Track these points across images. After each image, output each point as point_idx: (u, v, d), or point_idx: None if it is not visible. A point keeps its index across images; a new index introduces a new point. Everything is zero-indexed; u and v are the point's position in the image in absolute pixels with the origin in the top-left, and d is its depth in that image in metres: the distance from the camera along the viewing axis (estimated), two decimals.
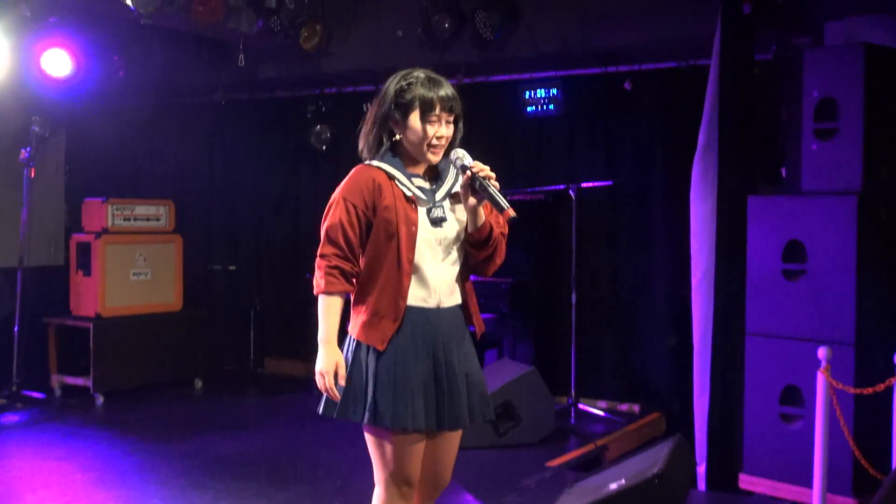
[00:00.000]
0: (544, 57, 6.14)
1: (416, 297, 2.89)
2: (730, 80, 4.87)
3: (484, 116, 6.85)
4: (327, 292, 2.89)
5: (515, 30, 6.06)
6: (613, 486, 3.76)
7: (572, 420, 6.19)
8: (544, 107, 6.56)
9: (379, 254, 2.88)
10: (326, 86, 7.44)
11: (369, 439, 2.93)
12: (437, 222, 2.91)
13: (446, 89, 2.92)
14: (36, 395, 6.77)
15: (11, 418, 6.33)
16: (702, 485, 4.88)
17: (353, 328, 2.94)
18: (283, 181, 7.99)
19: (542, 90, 6.57)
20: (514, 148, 7.01)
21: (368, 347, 2.88)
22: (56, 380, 7.11)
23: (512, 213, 2.83)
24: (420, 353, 2.88)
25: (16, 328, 6.73)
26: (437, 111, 2.89)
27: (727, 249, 4.85)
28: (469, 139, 7.62)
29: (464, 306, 3.01)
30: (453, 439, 3.02)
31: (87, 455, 5.50)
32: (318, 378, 2.89)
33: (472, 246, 2.95)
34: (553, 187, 6.43)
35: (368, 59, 6.58)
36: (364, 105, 6.87)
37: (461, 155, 2.93)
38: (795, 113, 4.67)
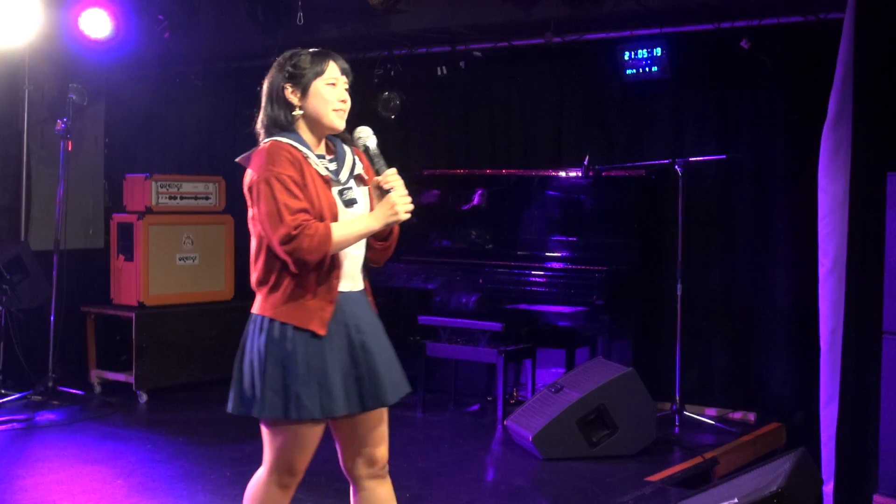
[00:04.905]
0: (647, 11, 6.00)
1: None
2: (867, 36, 4.75)
3: (576, 81, 6.88)
4: (329, 237, 3.00)
5: None
6: None
7: (676, 429, 6.17)
8: (647, 69, 6.48)
9: None
10: (396, 47, 7.43)
11: (269, 430, 3.20)
12: (349, 203, 3.16)
13: (338, 56, 3.23)
14: (74, 391, 6.93)
15: (47, 416, 6.51)
16: None
17: (270, 308, 3.09)
18: None
19: (645, 50, 6.48)
20: (610, 117, 6.98)
21: (291, 332, 3.05)
22: (95, 375, 7.32)
23: (405, 216, 3.07)
24: (337, 338, 3.11)
25: (51, 318, 6.86)
26: (337, 73, 3.18)
27: (862, 235, 4.79)
28: (561, 106, 7.38)
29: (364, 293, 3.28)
30: (377, 417, 3.26)
31: (130, 458, 5.62)
32: (395, 209, 3.08)
33: (376, 238, 3.20)
34: (656, 162, 6.43)
35: (444, 17, 6.53)
36: (438, 69, 7.06)
37: (365, 135, 3.21)
38: None
